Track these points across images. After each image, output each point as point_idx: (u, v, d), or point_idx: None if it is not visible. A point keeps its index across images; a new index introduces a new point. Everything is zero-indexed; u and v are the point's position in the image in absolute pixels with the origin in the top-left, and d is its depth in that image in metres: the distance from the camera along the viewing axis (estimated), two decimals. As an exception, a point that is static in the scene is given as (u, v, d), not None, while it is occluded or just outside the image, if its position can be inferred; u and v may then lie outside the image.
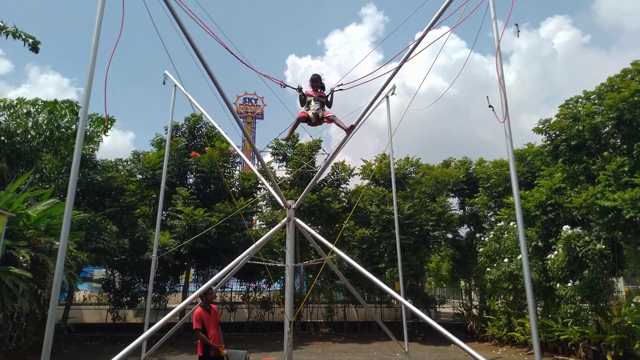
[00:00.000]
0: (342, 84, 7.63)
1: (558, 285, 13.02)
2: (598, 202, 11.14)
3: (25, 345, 12.69)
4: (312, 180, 8.84)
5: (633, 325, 11.31)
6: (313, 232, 9.45)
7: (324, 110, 7.38)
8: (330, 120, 7.23)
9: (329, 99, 7.60)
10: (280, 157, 21.03)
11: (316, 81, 7.59)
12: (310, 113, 7.22)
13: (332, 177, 21.16)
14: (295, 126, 7.63)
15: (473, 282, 22.06)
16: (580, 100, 13.30)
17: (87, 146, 15.68)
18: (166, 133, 18.17)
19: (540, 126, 13.67)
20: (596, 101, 12.70)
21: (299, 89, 7.52)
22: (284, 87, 7.83)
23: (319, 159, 20.63)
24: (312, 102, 7.35)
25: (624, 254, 12.82)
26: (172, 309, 8.54)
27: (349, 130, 7.43)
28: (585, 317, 13.07)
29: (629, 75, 12.11)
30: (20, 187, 11.29)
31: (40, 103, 13.67)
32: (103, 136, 14.80)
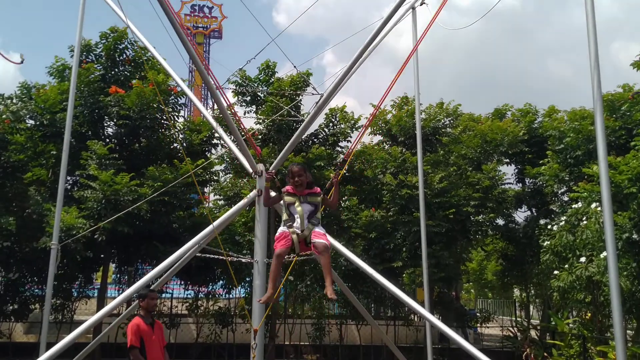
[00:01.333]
0: (345, 159, 7.25)
1: (659, 297, 13.26)
2: None
3: None
4: (295, 135, 8.83)
5: None
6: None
7: (316, 223, 6.57)
8: (322, 252, 6.28)
9: (328, 196, 7.05)
10: (248, 98, 20.88)
11: (300, 175, 6.66)
12: (294, 235, 6.37)
13: (326, 130, 21.09)
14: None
15: (532, 292, 22.41)
16: None
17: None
18: (72, 57, 17.87)
19: (644, 59, 13.64)
20: None
21: (269, 178, 7.39)
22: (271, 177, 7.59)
23: (308, 103, 20.54)
24: (298, 209, 6.53)
25: None
26: (81, 322, 8.60)
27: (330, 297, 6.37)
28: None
29: None
30: None
31: None
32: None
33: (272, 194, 7.51)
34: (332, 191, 7.04)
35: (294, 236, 6.35)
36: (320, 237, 6.37)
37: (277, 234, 6.48)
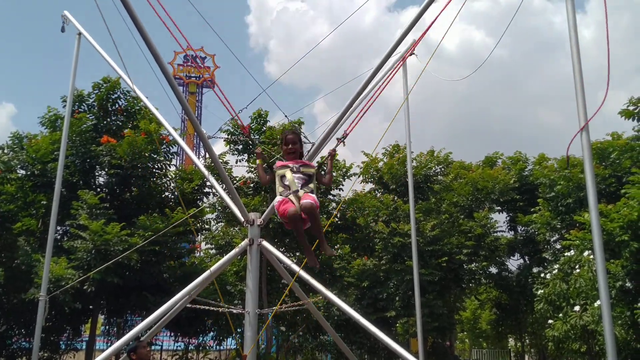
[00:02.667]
0: (346, 133, 7.41)
1: (654, 346, 13.18)
2: None
3: None
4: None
5: None
6: (287, 261, 9.46)
7: (306, 190, 6.47)
8: (309, 213, 6.24)
9: (324, 168, 6.89)
10: (240, 147, 20.99)
11: (295, 143, 6.75)
12: (291, 196, 6.35)
13: (318, 178, 21.22)
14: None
15: (527, 342, 22.25)
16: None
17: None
18: (64, 107, 17.98)
19: (632, 107, 13.82)
20: None
21: (259, 154, 7.17)
22: (248, 136, 7.56)
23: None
24: (288, 175, 6.53)
25: None
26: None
27: (328, 252, 7.06)
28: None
29: None
30: None
31: None
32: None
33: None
34: (328, 166, 7.15)
35: (292, 197, 6.31)
36: (308, 197, 6.27)
37: (275, 203, 6.58)
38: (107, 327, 21.16)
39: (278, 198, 6.47)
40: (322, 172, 6.89)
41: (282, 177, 6.53)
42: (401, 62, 11.19)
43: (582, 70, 6.15)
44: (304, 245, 6.58)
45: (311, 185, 6.53)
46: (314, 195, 6.39)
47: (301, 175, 6.49)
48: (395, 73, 10.39)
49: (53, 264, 14.84)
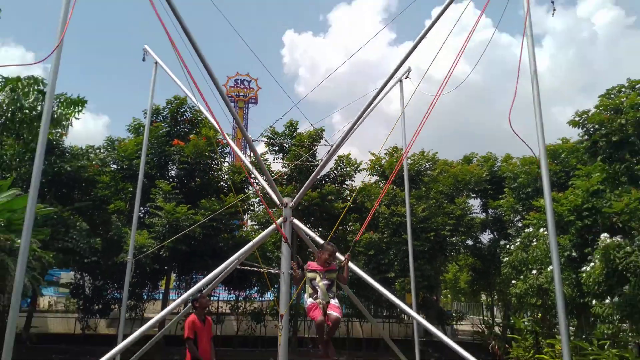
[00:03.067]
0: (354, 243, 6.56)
1: (594, 302, 13.01)
2: (642, 207, 11.14)
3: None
4: (312, 176, 8.83)
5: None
6: (312, 234, 9.46)
7: (332, 296, 6.13)
8: (334, 325, 5.93)
9: (343, 271, 6.54)
10: (277, 148, 21.05)
11: (332, 254, 6.28)
12: (320, 306, 5.92)
13: (336, 172, 21.15)
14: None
15: (496, 297, 22.14)
16: (623, 90, 13.25)
17: (54, 131, 15.66)
18: (145, 118, 18.15)
19: (577, 119, 13.64)
20: (643, 91, 12.66)
21: (297, 263, 6.43)
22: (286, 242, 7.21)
23: (321, 151, 20.64)
24: (320, 283, 6.09)
25: (670, 267, 12.80)
26: (149, 318, 8.55)
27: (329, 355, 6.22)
28: (625, 339, 13.06)
29: (682, 62, 12.07)
30: (-23, 176, 11.29)
31: (1, 79, 13.65)
32: (73, 119, 14.76)
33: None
34: (345, 269, 6.62)
35: (321, 306, 5.90)
36: (335, 309, 5.96)
37: (307, 304, 6.06)
38: (177, 282, 21.39)
39: (310, 300, 6.03)
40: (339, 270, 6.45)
41: (313, 279, 6.14)
42: (398, 84, 11.15)
43: (539, 90, 6.08)
44: (324, 342, 6.15)
45: (334, 289, 6.23)
46: (338, 307, 6.07)
47: (327, 281, 6.13)
48: (389, 91, 10.34)
49: (137, 235, 15.04)
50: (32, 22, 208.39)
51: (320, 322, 5.85)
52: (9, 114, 12.98)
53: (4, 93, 13.12)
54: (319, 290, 6.02)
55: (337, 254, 6.64)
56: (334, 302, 6.07)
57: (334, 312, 5.94)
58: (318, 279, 6.10)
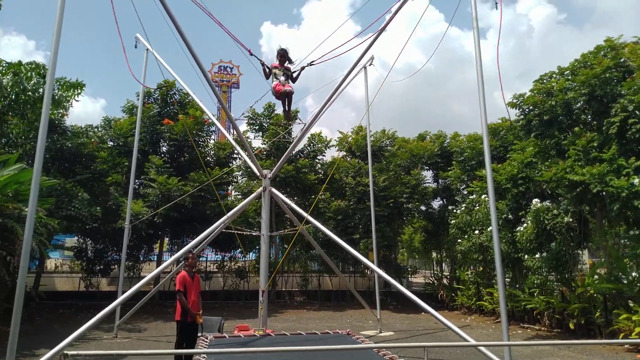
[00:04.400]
0: (313, 61, 8.25)
1: (526, 256, 13.44)
2: (567, 176, 11.43)
3: (-6, 312, 12.50)
4: (287, 151, 8.82)
5: (595, 295, 11.83)
6: (289, 201, 9.49)
7: (288, 82, 8.18)
8: (288, 95, 8.23)
9: (294, 75, 8.34)
10: (257, 127, 20.83)
11: (283, 56, 8.25)
12: (284, 87, 8.11)
13: (309, 148, 21.10)
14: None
15: (444, 254, 22.56)
16: (554, 76, 13.44)
17: (56, 111, 15.16)
18: (138, 99, 17.71)
19: (515, 101, 13.79)
20: (569, 77, 12.86)
21: (262, 63, 8.26)
22: (251, 55, 8.54)
23: (296, 130, 20.53)
24: (277, 73, 8.12)
25: (589, 227, 13.27)
26: (145, 277, 8.50)
27: (288, 118, 9.03)
28: (551, 287, 13.58)
29: (602, 52, 12.26)
30: (-15, 152, 10.91)
31: (4, 64, 13.07)
32: (73, 101, 14.27)
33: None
34: (294, 78, 8.65)
35: (282, 84, 8.12)
36: (288, 86, 8.18)
37: (274, 84, 8.20)
38: (170, 246, 21.23)
39: (275, 81, 8.18)
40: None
41: (276, 74, 8.24)
42: (363, 70, 11.09)
43: (483, 77, 6.13)
44: (285, 111, 8.52)
45: (289, 81, 8.38)
46: (291, 87, 8.25)
47: (284, 75, 8.29)
48: (356, 76, 10.29)
49: (133, 204, 14.80)
50: (32, 11, 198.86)
51: (282, 90, 8.06)
52: (13, 96, 12.53)
53: (7, 77, 12.62)
54: (280, 77, 8.17)
55: (289, 56, 8.54)
56: (289, 83, 8.31)
57: (288, 87, 8.21)
58: (278, 72, 8.23)
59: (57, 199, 14.06)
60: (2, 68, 12.77)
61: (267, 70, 8.24)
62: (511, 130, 16.72)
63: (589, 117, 12.59)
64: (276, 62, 8.28)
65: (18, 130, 14.93)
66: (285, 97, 8.09)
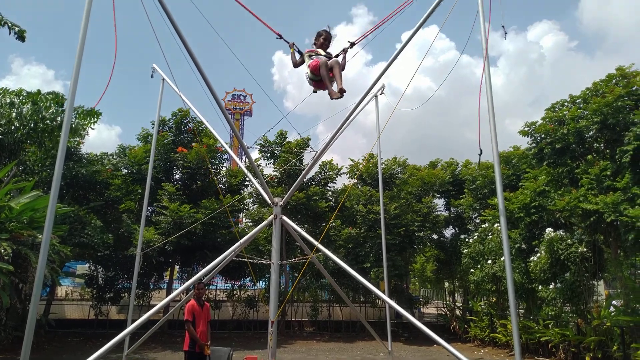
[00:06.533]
0: (354, 42, 6.67)
1: (540, 287, 13.21)
2: (580, 205, 11.32)
3: (5, 340, 12.50)
4: (299, 178, 8.84)
5: (612, 328, 11.52)
6: (299, 229, 9.46)
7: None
8: (332, 66, 5.88)
9: (340, 58, 6.39)
10: (268, 155, 21.00)
11: (327, 39, 6.34)
12: (322, 58, 5.98)
13: (320, 175, 21.17)
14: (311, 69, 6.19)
15: (457, 284, 22.26)
16: (566, 104, 13.48)
17: (72, 139, 15.46)
18: (153, 128, 18.02)
19: (526, 129, 13.83)
20: (581, 105, 12.89)
21: (291, 45, 6.52)
22: (280, 38, 6.74)
23: (307, 157, 20.66)
24: (317, 53, 6.23)
25: (604, 257, 13.04)
26: (155, 305, 8.48)
27: (341, 91, 5.87)
28: (566, 319, 13.26)
29: (613, 81, 12.30)
30: (2, 179, 11.11)
31: (24, 94, 13.43)
32: (89, 129, 14.57)
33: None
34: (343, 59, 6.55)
35: (320, 58, 5.96)
36: (332, 58, 6.05)
37: (309, 64, 6.16)
38: (180, 273, 21.19)
39: (309, 60, 6.15)
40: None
41: (313, 56, 6.22)
42: (374, 98, 11.21)
43: (493, 105, 6.15)
44: (328, 83, 5.97)
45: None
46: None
47: (327, 55, 6.16)
48: (367, 104, 10.38)
49: (145, 232, 14.89)
50: (52, 42, 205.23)
51: (324, 61, 5.87)
52: (32, 124, 12.81)
53: (27, 106, 12.95)
54: (320, 57, 6.01)
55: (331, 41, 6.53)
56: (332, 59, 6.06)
57: (331, 60, 5.97)
58: (316, 54, 6.16)
59: (71, 226, 14.20)
60: (23, 97, 13.12)
61: (299, 55, 6.44)
62: (523, 158, 16.64)
63: (602, 145, 12.54)
64: (313, 48, 6.47)
65: (35, 158, 15.23)
66: (329, 70, 5.90)
